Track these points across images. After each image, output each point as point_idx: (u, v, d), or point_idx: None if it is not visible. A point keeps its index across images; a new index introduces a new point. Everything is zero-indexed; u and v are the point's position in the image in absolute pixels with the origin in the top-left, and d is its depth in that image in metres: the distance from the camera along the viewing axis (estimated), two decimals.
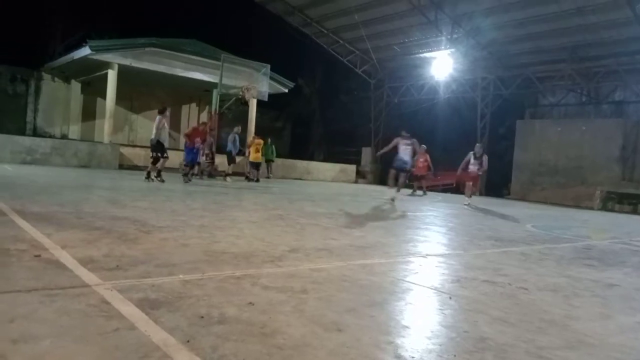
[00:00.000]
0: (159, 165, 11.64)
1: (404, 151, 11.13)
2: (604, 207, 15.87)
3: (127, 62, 17.61)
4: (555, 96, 20.15)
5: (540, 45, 18.42)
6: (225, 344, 1.91)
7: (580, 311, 2.97)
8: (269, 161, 18.99)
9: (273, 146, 19.40)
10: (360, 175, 24.98)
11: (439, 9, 18.28)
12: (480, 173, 12.99)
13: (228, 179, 15.48)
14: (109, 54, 17.25)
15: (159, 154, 11.54)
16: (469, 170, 12.73)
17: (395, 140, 11.36)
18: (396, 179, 11.78)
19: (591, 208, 15.84)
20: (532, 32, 17.67)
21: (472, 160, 12.68)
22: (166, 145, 11.75)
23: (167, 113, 12.01)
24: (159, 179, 11.39)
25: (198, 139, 13.26)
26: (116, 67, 17.62)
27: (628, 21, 15.15)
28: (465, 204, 12.41)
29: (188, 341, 1.90)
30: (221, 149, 18.72)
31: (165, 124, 11.65)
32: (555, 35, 17.39)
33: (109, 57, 17.33)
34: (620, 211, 15.55)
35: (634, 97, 17.79)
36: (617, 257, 5.58)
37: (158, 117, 11.64)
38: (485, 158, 12.81)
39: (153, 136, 11.61)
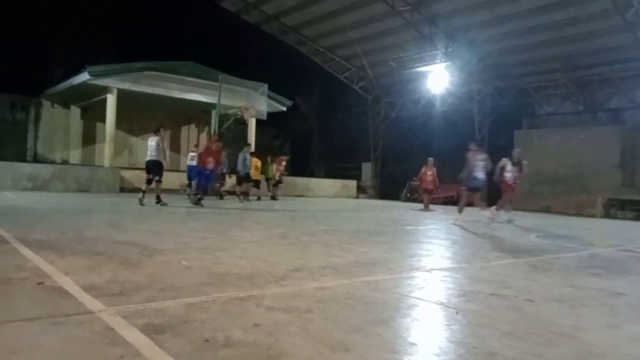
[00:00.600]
0: (155, 189, 11.15)
1: (478, 167, 9.71)
2: (606, 215, 15.83)
3: (126, 86, 17.75)
4: (552, 105, 20.25)
5: (535, 56, 18.57)
6: None
7: (588, 321, 2.94)
8: (268, 179, 18.99)
9: (273, 165, 19.40)
10: (361, 190, 24.99)
11: (432, 24, 18.48)
12: (518, 181, 11.66)
13: (242, 198, 15.43)
14: (107, 78, 17.39)
15: (155, 177, 11.04)
16: (506, 179, 11.31)
17: (469, 156, 9.90)
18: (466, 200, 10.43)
19: (593, 216, 15.80)
20: (526, 43, 17.84)
21: (509, 167, 11.29)
22: (165, 167, 11.37)
23: (162, 133, 11.70)
24: (160, 203, 10.93)
25: (211, 159, 11.66)
26: (115, 91, 17.75)
27: (619, 29, 15.31)
28: (506, 220, 10.91)
29: None
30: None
31: (149, 141, 11.23)
32: (549, 45, 17.55)
33: (108, 81, 17.47)
34: (623, 218, 15.51)
35: (630, 104, 17.87)
36: (622, 265, 5.55)
37: (157, 138, 11.19)
38: (524, 164, 11.54)
39: (153, 158, 11.11)
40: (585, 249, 6.67)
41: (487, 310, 3.06)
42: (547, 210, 17.43)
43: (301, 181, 22.94)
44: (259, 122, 20.77)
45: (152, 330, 2.26)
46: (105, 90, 17.70)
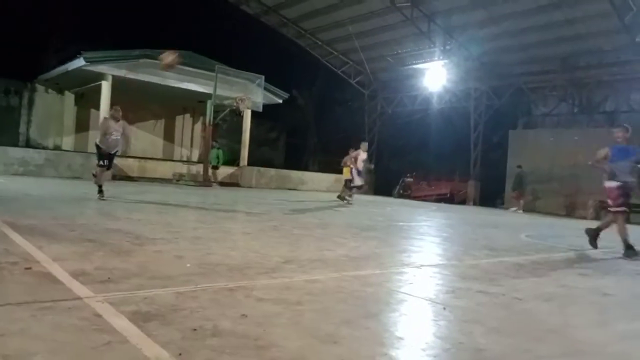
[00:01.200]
0: (96, 175, 9.17)
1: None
2: (597, 217, 15.91)
3: (122, 73, 17.60)
4: (548, 106, 20.30)
5: (532, 56, 18.61)
6: (219, 358, 1.89)
7: (577, 320, 2.96)
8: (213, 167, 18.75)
9: (220, 151, 19.03)
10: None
11: (431, 21, 18.46)
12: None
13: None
14: (103, 65, 17.24)
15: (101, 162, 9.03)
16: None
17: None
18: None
19: (584, 218, 15.88)
20: (523, 42, 17.87)
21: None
22: (111, 151, 9.08)
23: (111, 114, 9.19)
24: (100, 195, 8.84)
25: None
26: (110, 78, 17.60)
27: (617, 31, 15.35)
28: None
29: (180, 354, 1.87)
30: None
31: (114, 127, 8.94)
32: (546, 46, 17.59)
33: (103, 68, 17.32)
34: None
35: (625, 107, 17.95)
36: (610, 266, 5.59)
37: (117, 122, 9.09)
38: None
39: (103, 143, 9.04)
40: (574, 250, 6.72)
41: (475, 306, 3.07)
42: (539, 210, 17.48)
43: (295, 174, 22.94)
44: (254, 114, 20.69)
45: (140, 318, 2.26)
46: (101, 77, 17.55)
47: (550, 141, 18.36)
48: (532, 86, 19.94)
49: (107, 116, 9.52)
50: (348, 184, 13.67)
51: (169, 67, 10.18)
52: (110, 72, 17.51)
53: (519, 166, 17.69)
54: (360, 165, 13.17)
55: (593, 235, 6.68)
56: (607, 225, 6.60)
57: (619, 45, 16.01)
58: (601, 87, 18.24)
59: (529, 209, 16.98)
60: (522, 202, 17.17)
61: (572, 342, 2.51)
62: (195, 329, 2.17)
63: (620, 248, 6.21)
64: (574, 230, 11.25)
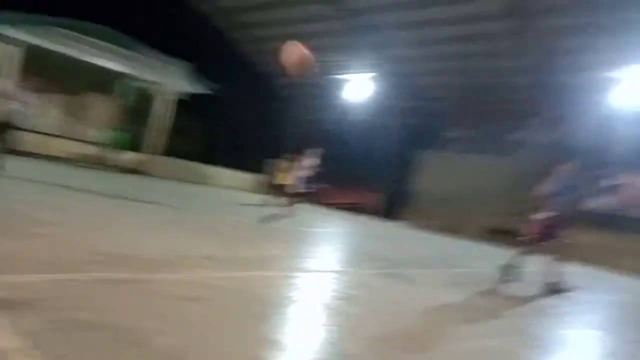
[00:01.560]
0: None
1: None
2: (486, 239, 17.18)
3: (29, 40, 16.22)
4: (458, 130, 21.68)
5: (451, 82, 19.87)
6: (85, 351, 1.81)
7: (446, 331, 3.18)
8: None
9: (124, 134, 17.71)
10: (267, 187, 24.92)
11: (361, 34, 19.03)
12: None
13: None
14: (9, 28, 15.78)
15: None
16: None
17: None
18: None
19: (475, 239, 17.07)
20: (445, 68, 19.08)
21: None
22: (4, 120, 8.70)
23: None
24: None
25: None
26: (16, 43, 16.15)
27: (529, 69, 16.91)
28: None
29: (42, 348, 1.76)
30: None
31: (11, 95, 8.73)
32: (465, 75, 18.87)
33: (10, 31, 15.85)
34: (502, 244, 16.89)
35: (525, 138, 19.68)
36: (488, 283, 6.05)
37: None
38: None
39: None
40: (460, 267, 7.20)
41: (363, 313, 3.20)
42: (438, 230, 18.49)
43: (208, 169, 22.51)
44: (171, 102, 20.02)
45: (4, 305, 2.10)
46: (7, 40, 16.04)
47: (456, 164, 19.60)
48: (448, 110, 21.24)
49: (7, 81, 8.73)
50: (285, 189, 13.20)
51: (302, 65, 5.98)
52: (15, 35, 16.06)
53: (413, 184, 18.86)
54: (307, 171, 12.45)
55: (556, 284, 5.74)
56: (557, 262, 5.81)
57: (530, 82, 17.62)
58: (510, 118, 19.87)
59: (427, 228, 17.92)
60: (419, 219, 18.21)
61: (443, 351, 2.70)
62: (63, 321, 2.06)
63: (491, 268, 6.39)
64: (463, 250, 12.07)
